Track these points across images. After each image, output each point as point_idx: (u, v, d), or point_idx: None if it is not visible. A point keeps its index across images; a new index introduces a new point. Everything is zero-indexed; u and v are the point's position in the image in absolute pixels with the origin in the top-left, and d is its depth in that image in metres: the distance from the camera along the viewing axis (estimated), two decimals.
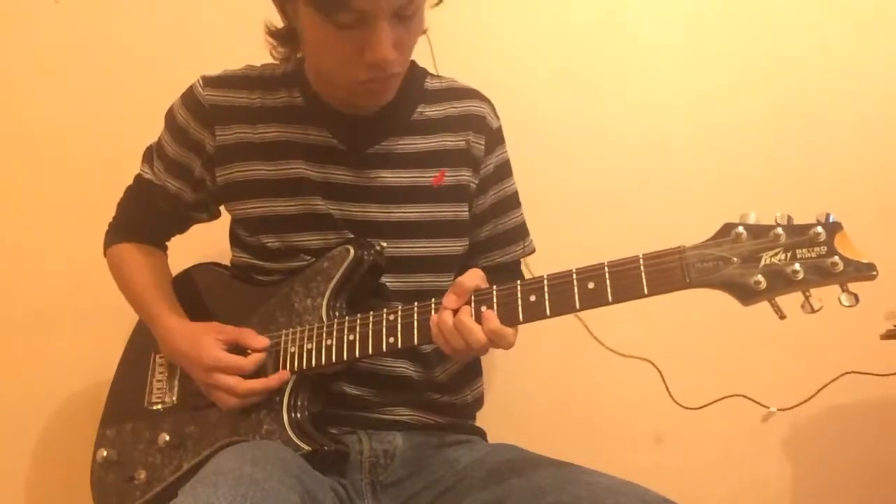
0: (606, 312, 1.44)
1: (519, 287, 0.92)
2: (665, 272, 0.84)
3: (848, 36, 1.60)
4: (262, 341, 1.06)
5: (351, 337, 1.01)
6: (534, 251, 1.26)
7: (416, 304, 0.98)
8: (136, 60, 1.58)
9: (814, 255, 0.79)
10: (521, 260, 1.27)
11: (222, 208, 1.21)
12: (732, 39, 1.60)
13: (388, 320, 0.99)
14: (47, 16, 1.58)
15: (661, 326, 1.53)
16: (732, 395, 1.50)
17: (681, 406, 1.47)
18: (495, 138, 1.20)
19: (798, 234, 0.81)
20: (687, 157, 1.59)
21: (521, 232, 1.24)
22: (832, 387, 1.50)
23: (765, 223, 0.83)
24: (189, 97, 1.14)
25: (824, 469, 1.57)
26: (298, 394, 1.04)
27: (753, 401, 1.51)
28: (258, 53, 1.14)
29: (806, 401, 1.51)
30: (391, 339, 0.98)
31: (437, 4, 1.08)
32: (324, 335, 1.03)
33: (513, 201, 1.24)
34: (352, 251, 1.07)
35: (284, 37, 1.09)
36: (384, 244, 1.11)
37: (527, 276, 1.24)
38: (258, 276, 1.15)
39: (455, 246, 1.16)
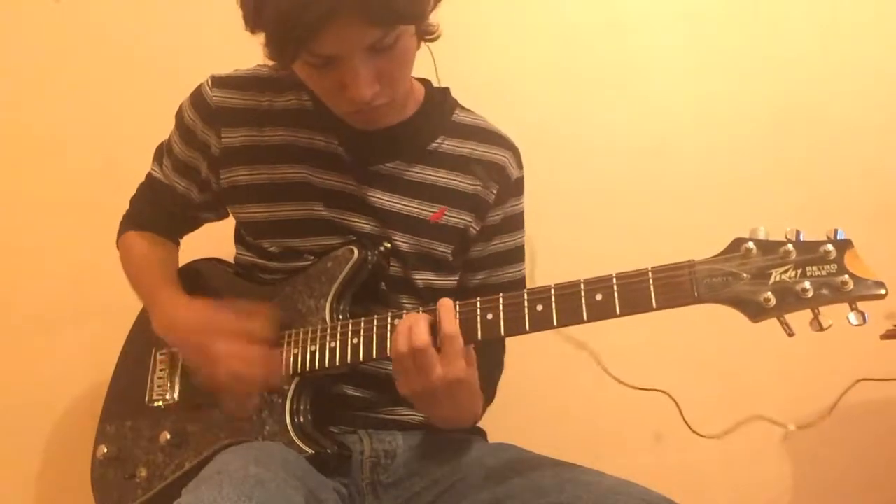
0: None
1: (526, 296, 0.91)
2: (674, 286, 0.83)
3: (848, 36, 1.61)
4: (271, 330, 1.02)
5: (355, 340, 1.00)
6: None
7: (420, 308, 0.98)
8: (136, 60, 1.57)
9: (824, 272, 0.79)
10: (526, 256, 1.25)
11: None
12: (732, 41, 1.60)
13: (392, 325, 0.98)
14: (47, 16, 1.56)
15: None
16: (750, 418, 1.51)
17: (699, 435, 1.47)
18: (511, 190, 1.16)
19: (808, 252, 0.80)
20: (687, 157, 1.60)
21: (516, 288, 1.09)
22: (847, 396, 1.51)
23: (774, 238, 0.82)
24: (197, 97, 1.12)
25: (826, 469, 1.58)
26: (301, 396, 1.03)
27: (772, 421, 1.52)
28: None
29: (825, 416, 1.51)
30: None
31: (434, 39, 1.03)
32: (327, 337, 1.02)
33: (515, 255, 1.19)
34: (356, 251, 1.07)
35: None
36: (388, 244, 1.10)
37: (529, 282, 1.24)
38: (262, 274, 1.14)
39: (445, 280, 1.14)
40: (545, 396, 1.56)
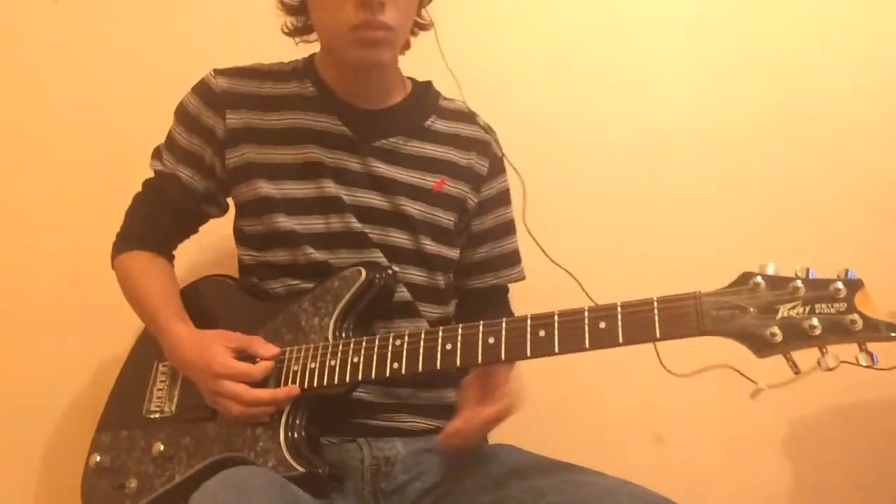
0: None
1: (529, 322, 0.91)
2: (679, 317, 0.83)
3: (848, 36, 1.62)
4: (272, 349, 1.06)
5: (356, 359, 1.00)
6: (524, 279, 1.30)
7: (423, 331, 0.98)
8: (136, 61, 1.57)
9: (833, 311, 0.78)
10: (523, 271, 1.30)
11: (230, 201, 1.21)
12: (732, 40, 1.62)
13: (394, 345, 0.98)
14: (47, 16, 1.57)
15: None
16: (721, 366, 1.44)
17: (672, 374, 1.42)
18: (498, 166, 1.27)
19: (817, 289, 0.79)
20: (687, 157, 1.60)
21: (514, 258, 1.30)
22: (828, 375, 1.47)
23: (784, 274, 0.81)
24: (200, 87, 1.16)
25: (824, 468, 1.55)
26: (298, 413, 1.02)
27: (742, 374, 1.45)
28: (263, 54, 1.17)
29: (794, 380, 1.47)
30: (395, 365, 0.97)
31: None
32: (328, 355, 1.02)
33: (510, 228, 1.30)
34: (363, 273, 1.07)
35: (295, 8, 1.14)
36: (396, 268, 1.12)
37: (529, 280, 1.29)
38: (262, 276, 1.15)
39: (450, 252, 1.20)
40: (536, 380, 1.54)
